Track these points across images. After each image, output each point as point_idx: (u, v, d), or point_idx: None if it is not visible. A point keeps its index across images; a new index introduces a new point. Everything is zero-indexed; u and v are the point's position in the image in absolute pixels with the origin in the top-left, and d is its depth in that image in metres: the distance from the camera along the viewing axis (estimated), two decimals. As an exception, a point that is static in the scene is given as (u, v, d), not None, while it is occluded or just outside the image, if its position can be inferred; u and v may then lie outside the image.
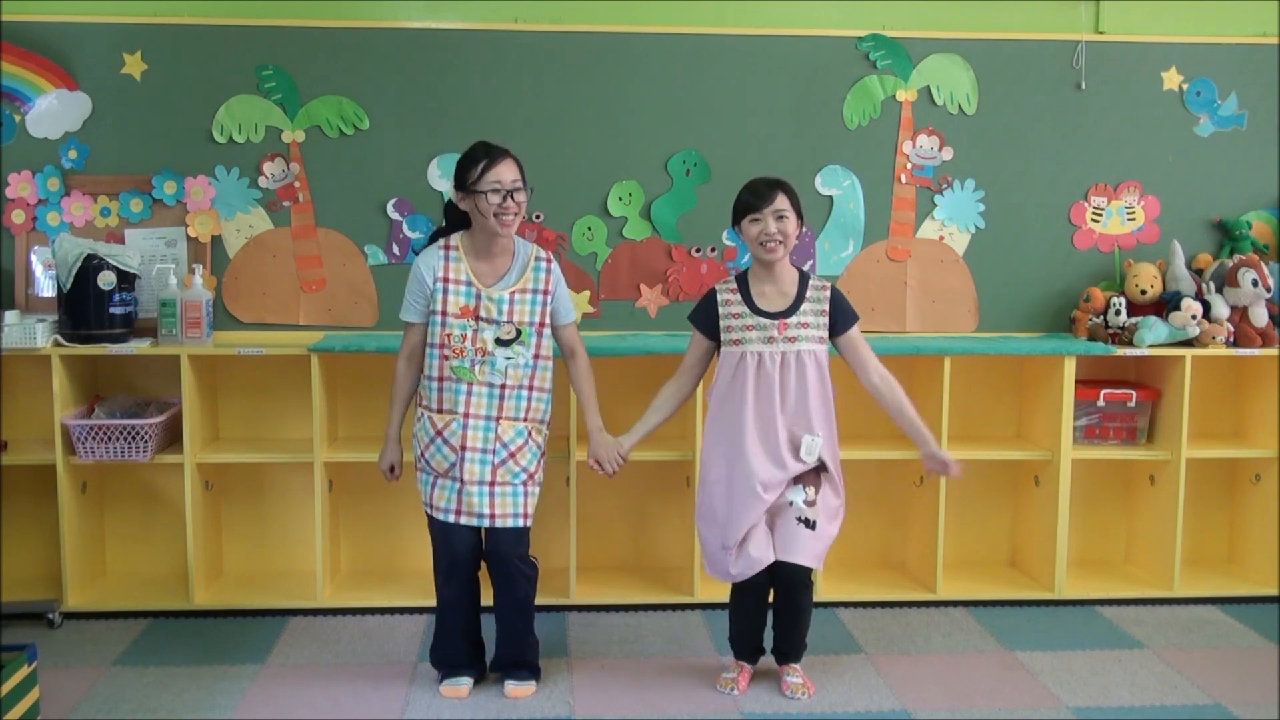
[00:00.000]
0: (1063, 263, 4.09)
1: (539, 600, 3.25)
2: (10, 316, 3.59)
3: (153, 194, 3.82)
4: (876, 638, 3.60)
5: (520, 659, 3.21)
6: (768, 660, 3.30)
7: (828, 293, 3.12)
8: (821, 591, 3.82)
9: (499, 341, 3.05)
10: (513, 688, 3.17)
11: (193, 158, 3.84)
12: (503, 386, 3.06)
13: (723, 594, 3.69)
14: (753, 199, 3.05)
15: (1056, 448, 3.85)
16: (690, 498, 3.38)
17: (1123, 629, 3.70)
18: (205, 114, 3.84)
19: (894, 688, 3.23)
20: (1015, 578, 4.05)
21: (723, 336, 3.12)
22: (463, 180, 3.02)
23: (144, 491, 3.92)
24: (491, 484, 3.06)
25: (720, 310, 3.12)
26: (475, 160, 3.00)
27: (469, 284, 3.05)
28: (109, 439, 3.56)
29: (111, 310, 3.63)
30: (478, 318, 3.04)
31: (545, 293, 3.11)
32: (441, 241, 3.11)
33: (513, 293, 3.07)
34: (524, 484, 3.09)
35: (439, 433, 3.06)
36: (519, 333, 3.06)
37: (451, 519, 3.07)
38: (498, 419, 3.06)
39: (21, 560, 3.86)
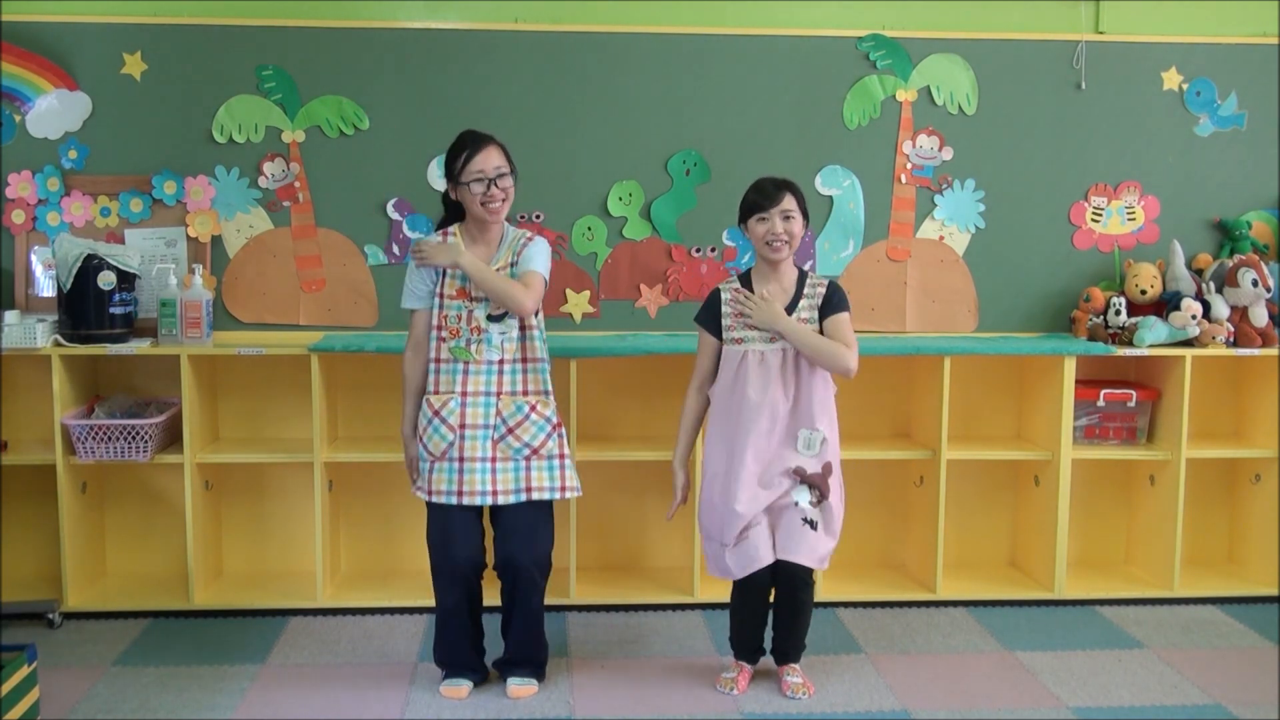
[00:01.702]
0: (1063, 263, 4.10)
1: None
2: (10, 316, 3.59)
3: (153, 194, 3.82)
4: (876, 638, 3.60)
5: (527, 659, 3.21)
6: (767, 660, 3.30)
7: (823, 288, 3.13)
8: (821, 591, 3.82)
9: (490, 318, 3.07)
10: (515, 687, 3.17)
11: (193, 158, 3.84)
12: (500, 362, 3.08)
13: (723, 594, 3.68)
14: (760, 198, 3.07)
15: (1056, 448, 3.85)
16: (691, 498, 3.38)
17: (1123, 629, 3.70)
18: (205, 114, 3.84)
19: (894, 688, 3.23)
20: (1015, 578, 4.05)
21: (725, 335, 3.13)
22: (450, 171, 3.07)
23: (144, 491, 3.92)
24: (492, 460, 3.05)
25: (724, 309, 3.14)
26: (459, 151, 3.05)
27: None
28: (109, 439, 3.56)
29: (111, 310, 3.63)
30: (470, 298, 3.07)
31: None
32: (439, 232, 3.16)
33: (501, 269, 3.09)
34: (527, 459, 3.08)
35: (436, 412, 3.07)
36: None
37: (454, 500, 3.05)
38: (498, 394, 3.07)
39: (21, 560, 3.86)
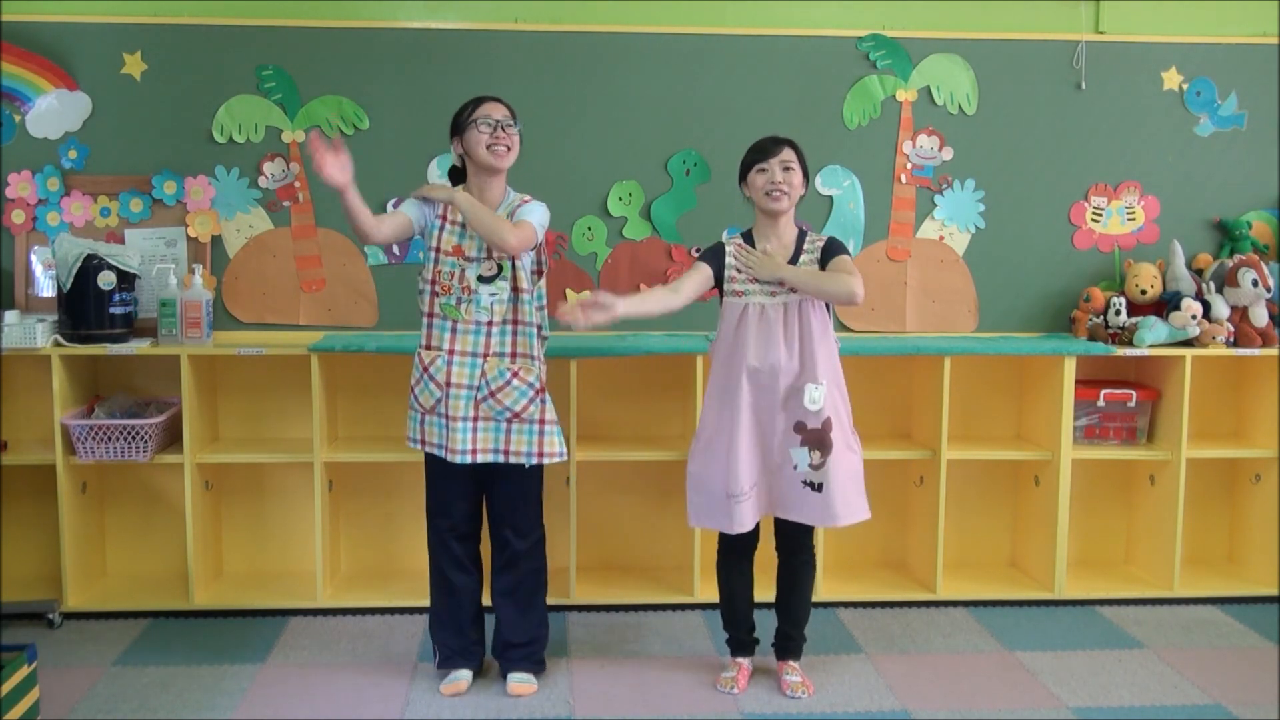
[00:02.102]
0: (1063, 263, 4.09)
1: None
2: (10, 316, 3.59)
3: (153, 194, 3.83)
4: (876, 638, 3.60)
5: (524, 644, 3.22)
6: (767, 660, 3.30)
7: (822, 243, 3.14)
8: (821, 591, 3.82)
9: (481, 279, 3.08)
10: (516, 684, 3.17)
11: (193, 158, 3.84)
12: (489, 324, 3.09)
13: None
14: (760, 152, 3.10)
15: (1056, 448, 3.85)
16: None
17: (1123, 629, 3.69)
18: (205, 114, 3.84)
19: (894, 688, 3.23)
20: (1015, 578, 4.05)
21: (726, 288, 3.12)
22: (456, 123, 3.11)
23: (144, 491, 3.92)
24: (474, 419, 3.08)
25: (726, 261, 3.13)
26: (465, 105, 3.13)
27: (461, 225, 3.09)
28: (109, 439, 3.56)
29: (111, 310, 3.63)
30: (464, 256, 3.09)
31: None
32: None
33: None
34: (508, 421, 3.09)
35: (425, 369, 3.11)
36: (499, 268, 3.09)
37: (444, 454, 3.10)
38: (485, 355, 3.09)
39: (21, 560, 3.86)
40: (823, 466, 3.05)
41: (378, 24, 3.85)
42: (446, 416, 3.08)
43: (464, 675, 3.20)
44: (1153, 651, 3.51)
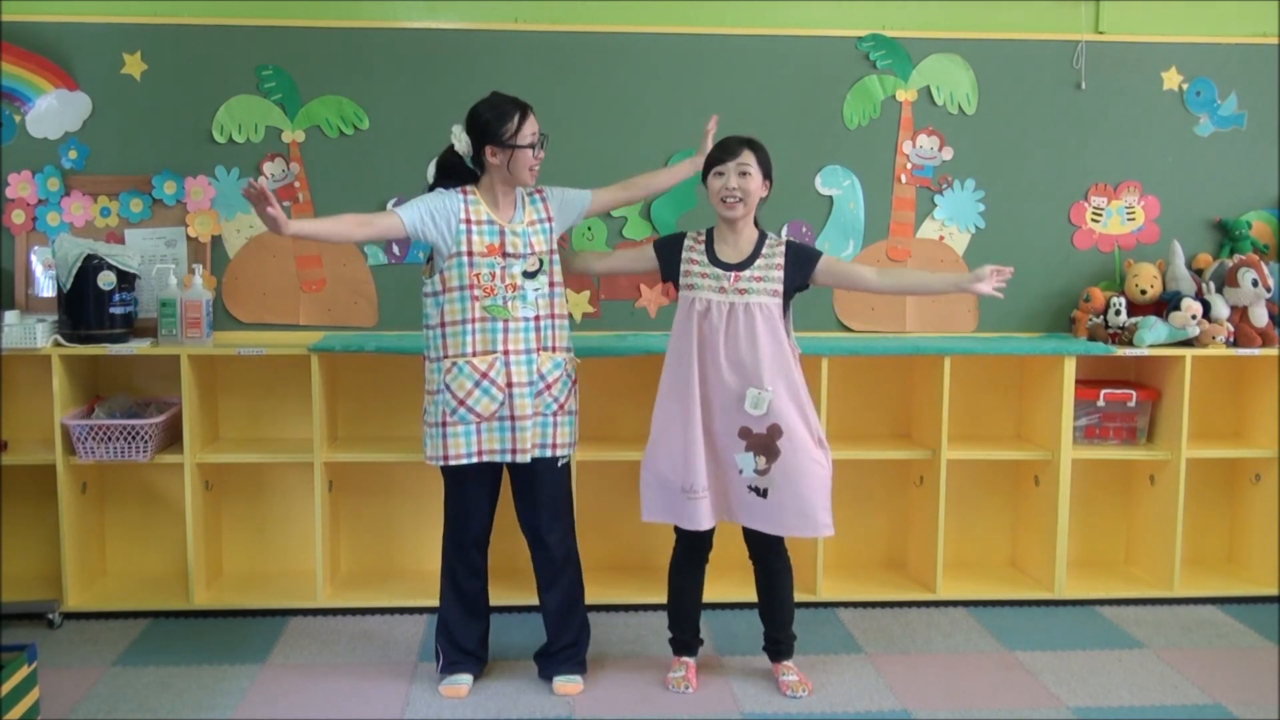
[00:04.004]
0: (1063, 263, 4.09)
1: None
2: (10, 316, 3.59)
3: (153, 194, 3.82)
4: (876, 638, 3.60)
5: (571, 650, 3.23)
6: (764, 660, 3.30)
7: (782, 247, 3.12)
8: (821, 591, 3.83)
9: (526, 274, 3.08)
10: (565, 684, 3.18)
11: (193, 158, 3.84)
12: (536, 318, 3.09)
13: (722, 594, 3.70)
14: (719, 153, 3.08)
15: (1056, 448, 3.85)
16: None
17: (1123, 629, 3.70)
18: (205, 114, 3.84)
19: (894, 688, 3.23)
20: (1015, 578, 4.05)
21: (680, 280, 3.13)
22: (498, 135, 3.02)
23: (144, 491, 3.92)
24: (533, 415, 3.08)
25: (683, 254, 3.14)
26: (508, 115, 3.03)
27: (491, 222, 3.07)
28: (109, 439, 3.56)
29: (111, 310, 3.63)
30: (505, 254, 3.06)
31: (549, 220, 3.16)
32: (458, 188, 3.11)
33: (529, 224, 3.12)
34: (554, 415, 3.12)
35: (484, 374, 3.04)
36: (540, 263, 3.11)
37: (508, 458, 3.06)
38: (537, 351, 3.09)
39: (21, 560, 3.86)
40: (768, 472, 3.04)
41: (378, 24, 3.85)
42: (512, 418, 3.05)
43: (465, 680, 3.20)
44: (1153, 651, 3.51)
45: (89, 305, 3.60)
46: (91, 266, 3.59)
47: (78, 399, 3.72)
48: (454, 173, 3.14)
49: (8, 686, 2.75)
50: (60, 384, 3.59)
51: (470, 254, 3.05)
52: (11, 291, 3.82)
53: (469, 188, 3.12)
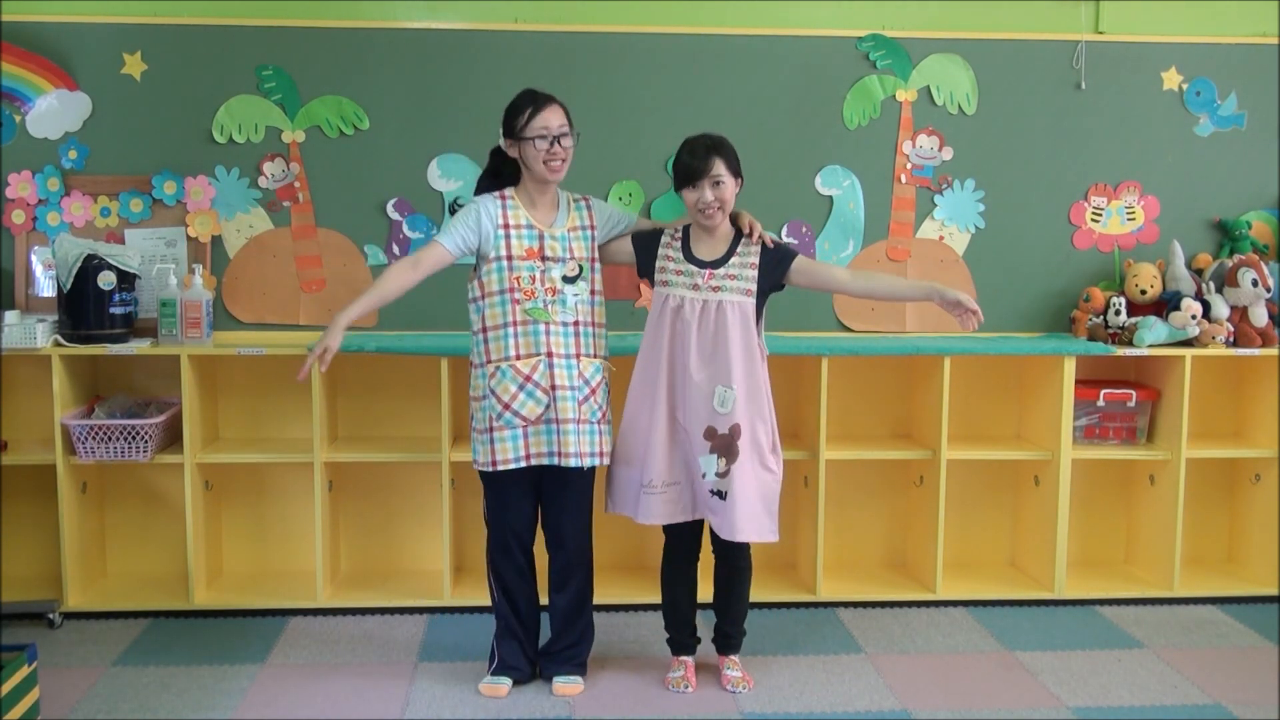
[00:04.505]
0: (1063, 263, 4.09)
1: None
2: (10, 316, 3.59)
3: (153, 194, 3.82)
4: (876, 638, 3.60)
5: (571, 645, 3.22)
6: (758, 658, 3.30)
7: (757, 246, 3.11)
8: (821, 591, 3.83)
9: (565, 279, 3.07)
10: (565, 685, 3.18)
11: (193, 158, 3.84)
12: (576, 324, 3.08)
13: (723, 594, 3.69)
14: (690, 165, 3.03)
15: (1056, 448, 3.85)
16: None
17: (1123, 629, 3.70)
18: (205, 114, 3.83)
19: (894, 688, 3.23)
20: (1015, 578, 4.05)
21: (656, 276, 3.13)
22: (510, 127, 3.04)
23: (144, 491, 3.92)
24: (579, 421, 3.06)
25: (659, 250, 3.14)
26: (522, 108, 3.03)
27: (530, 226, 3.07)
28: (109, 439, 3.56)
29: (111, 310, 3.63)
30: (544, 258, 3.06)
31: (592, 228, 3.15)
32: (497, 193, 3.11)
33: (570, 230, 3.11)
34: (598, 423, 3.11)
35: (528, 377, 3.03)
36: (580, 269, 3.10)
37: (554, 461, 3.03)
38: (578, 356, 3.08)
39: (21, 560, 3.86)
40: (727, 475, 3.05)
41: (378, 24, 3.85)
42: (557, 421, 3.04)
43: (507, 682, 3.19)
44: (1153, 651, 3.51)
45: (89, 305, 3.60)
46: (91, 266, 3.59)
47: (78, 399, 3.72)
48: (500, 174, 3.14)
49: (8, 686, 2.74)
50: (60, 384, 3.59)
51: (510, 258, 3.04)
52: (11, 291, 3.82)
53: (508, 191, 3.11)
